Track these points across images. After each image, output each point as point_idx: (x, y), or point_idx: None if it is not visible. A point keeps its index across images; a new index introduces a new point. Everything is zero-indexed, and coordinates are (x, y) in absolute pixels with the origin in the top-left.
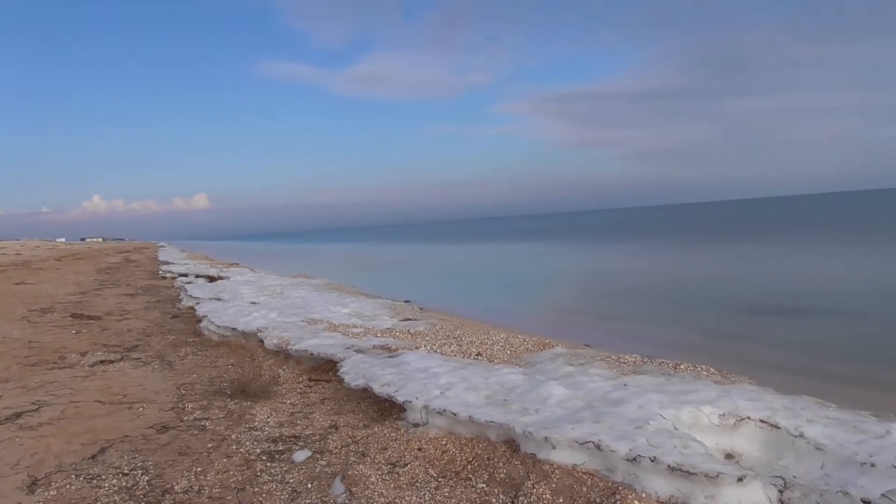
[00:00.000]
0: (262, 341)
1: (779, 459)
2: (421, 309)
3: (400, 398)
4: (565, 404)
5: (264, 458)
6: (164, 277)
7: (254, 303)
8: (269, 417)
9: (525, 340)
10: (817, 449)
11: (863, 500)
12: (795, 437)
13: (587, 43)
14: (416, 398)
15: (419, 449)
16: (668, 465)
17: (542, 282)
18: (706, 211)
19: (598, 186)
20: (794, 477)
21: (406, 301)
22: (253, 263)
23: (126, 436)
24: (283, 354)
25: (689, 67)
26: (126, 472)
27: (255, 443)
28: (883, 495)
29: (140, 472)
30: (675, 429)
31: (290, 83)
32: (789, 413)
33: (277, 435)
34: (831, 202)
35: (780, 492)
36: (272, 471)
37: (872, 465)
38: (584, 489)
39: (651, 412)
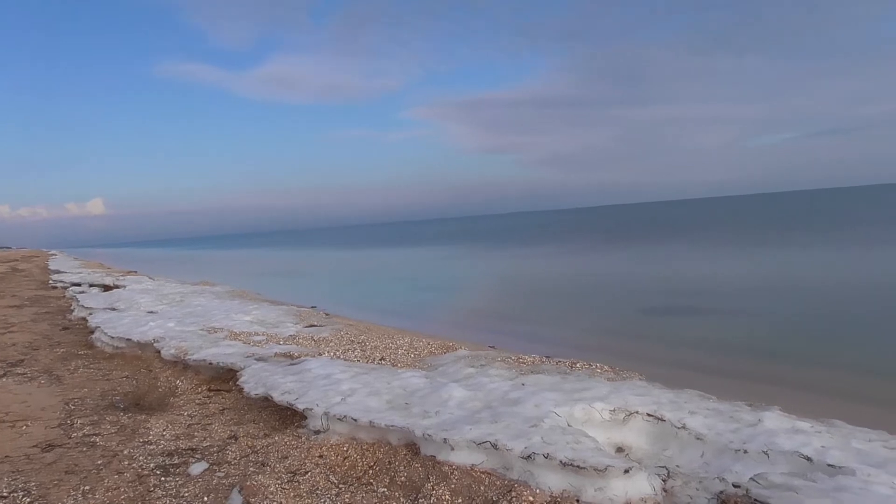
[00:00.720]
0: (158, 352)
1: (664, 450)
2: (327, 315)
3: (300, 406)
4: (465, 406)
5: (158, 472)
6: (55, 287)
7: (151, 312)
8: (164, 430)
9: (429, 344)
10: (698, 439)
11: (734, 485)
12: (679, 428)
13: (495, 50)
14: (317, 405)
15: (320, 456)
16: (561, 461)
17: (449, 285)
18: (607, 214)
19: (504, 191)
20: (677, 466)
21: (312, 307)
22: (152, 271)
23: (7, 456)
24: (181, 365)
25: (591, 77)
26: (5, 494)
27: (149, 457)
28: (751, 479)
29: (21, 493)
30: (569, 425)
31: (192, 84)
32: (674, 406)
33: (173, 448)
34: (718, 206)
35: (664, 481)
36: (166, 485)
37: (745, 451)
38: (482, 488)
39: (546, 410)
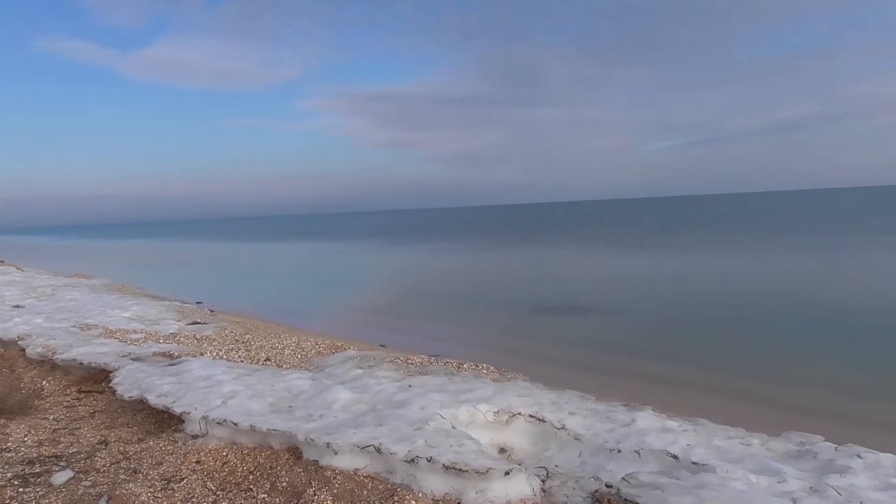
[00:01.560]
0: (23, 350)
1: (545, 450)
2: (212, 311)
3: (178, 409)
4: (351, 408)
5: (16, 483)
6: None
7: (17, 306)
8: (25, 436)
9: (317, 343)
10: (576, 439)
11: (607, 484)
12: (559, 429)
13: (397, 45)
14: (196, 408)
15: (198, 462)
16: (443, 465)
17: (344, 281)
18: (504, 213)
19: (404, 186)
20: (556, 466)
21: (198, 303)
22: (21, 261)
23: None
24: (48, 364)
25: (490, 76)
26: None
27: (7, 466)
28: (623, 479)
29: None
30: (454, 427)
31: (74, 63)
32: (555, 407)
33: (35, 455)
34: (609, 208)
35: (543, 481)
36: (24, 497)
37: (619, 451)
38: (365, 492)
39: (432, 412)
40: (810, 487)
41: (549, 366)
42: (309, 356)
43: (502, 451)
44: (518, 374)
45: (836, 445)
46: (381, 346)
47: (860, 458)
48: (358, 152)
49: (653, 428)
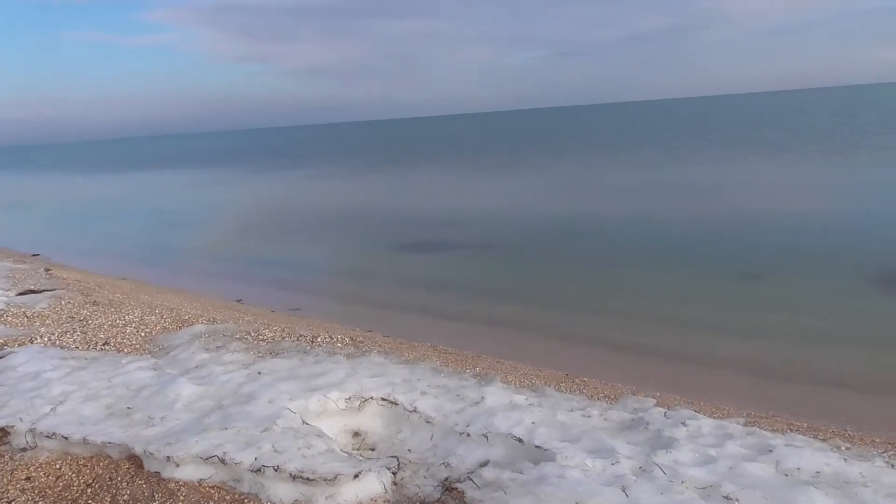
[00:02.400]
0: None
1: (398, 433)
2: (48, 271)
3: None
4: (194, 406)
5: None
6: None
7: None
8: None
9: (162, 317)
10: (427, 422)
11: (453, 480)
12: (410, 412)
13: None
14: (21, 420)
15: (27, 479)
16: (290, 474)
17: (195, 221)
18: (368, 130)
19: (261, 103)
20: (409, 451)
21: (35, 255)
22: None
23: None
24: None
25: None
26: None
27: None
28: (468, 477)
29: None
30: (304, 423)
31: None
32: (407, 386)
33: None
34: (477, 122)
35: (394, 473)
36: None
37: (468, 434)
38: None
39: (281, 407)
40: (640, 468)
41: (408, 316)
42: (153, 333)
43: (356, 435)
44: (373, 344)
45: (665, 410)
46: (238, 301)
47: (685, 426)
48: (211, 68)
49: (500, 405)
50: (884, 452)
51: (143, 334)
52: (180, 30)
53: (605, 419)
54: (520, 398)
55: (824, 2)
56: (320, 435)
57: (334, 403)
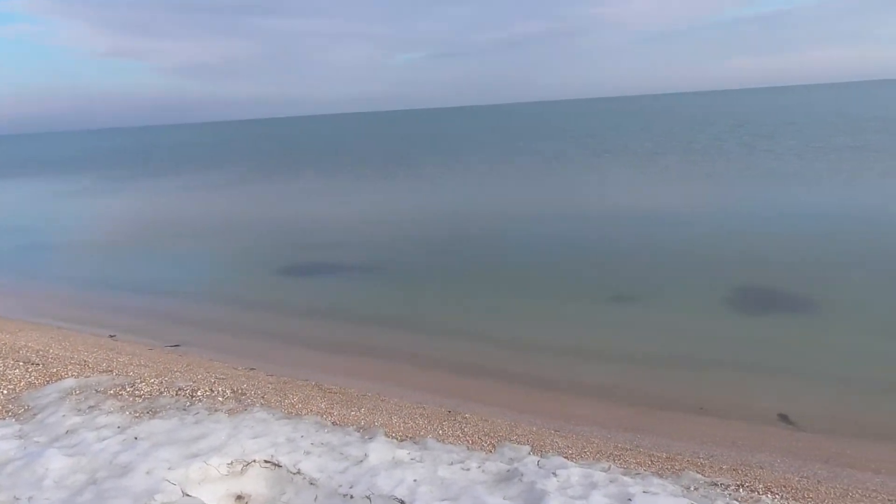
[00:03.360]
0: None
1: (282, 495)
2: None
3: None
4: (66, 483)
5: None
6: None
7: None
8: None
9: (27, 370)
10: (311, 483)
11: None
12: (294, 473)
13: None
14: None
15: None
16: None
17: (60, 242)
18: (250, 130)
19: (134, 100)
20: None
21: None
22: None
23: None
24: None
25: None
26: None
27: None
28: None
29: None
30: (184, 494)
31: None
32: (290, 445)
33: None
34: (360, 122)
35: None
36: None
37: (352, 497)
38: None
39: (159, 478)
40: None
41: (292, 349)
42: (18, 391)
43: (239, 498)
44: (256, 394)
45: (538, 458)
46: (111, 336)
47: (556, 476)
48: (78, 63)
49: (384, 463)
50: (725, 490)
51: (4, 392)
52: (43, 21)
53: (483, 471)
54: (402, 453)
55: (697, 11)
56: None
57: (216, 469)
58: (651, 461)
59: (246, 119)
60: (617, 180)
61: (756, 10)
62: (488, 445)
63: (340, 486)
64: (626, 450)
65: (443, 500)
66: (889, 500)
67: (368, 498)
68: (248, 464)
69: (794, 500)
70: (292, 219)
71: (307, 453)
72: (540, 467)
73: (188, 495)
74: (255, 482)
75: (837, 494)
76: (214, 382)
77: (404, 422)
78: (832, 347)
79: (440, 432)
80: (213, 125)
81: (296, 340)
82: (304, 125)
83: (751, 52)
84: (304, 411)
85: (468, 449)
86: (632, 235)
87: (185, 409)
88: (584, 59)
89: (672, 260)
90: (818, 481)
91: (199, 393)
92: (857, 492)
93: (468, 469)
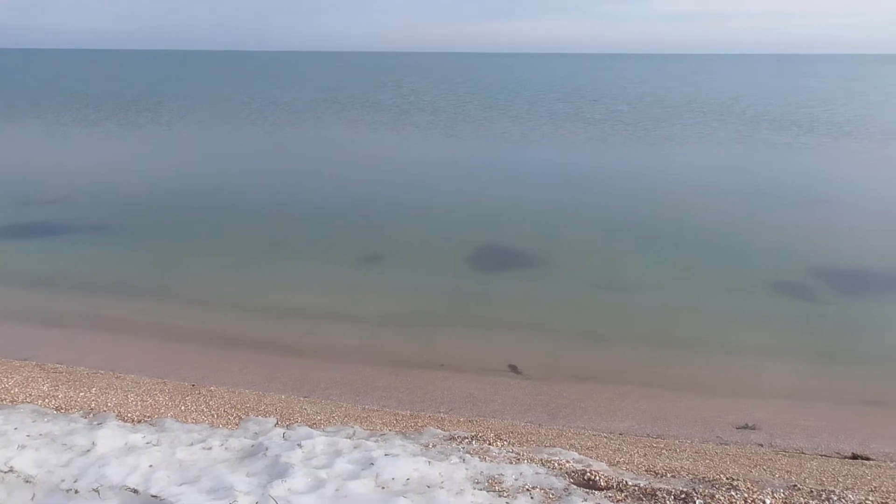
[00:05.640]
0: None
1: None
2: None
3: None
4: None
5: None
6: None
7: None
8: None
9: None
10: (27, 482)
11: None
12: (6, 472)
13: None
14: None
15: None
16: None
17: None
18: None
19: None
20: None
21: None
22: None
23: None
24: None
25: None
26: None
27: None
28: None
29: None
30: None
31: None
32: (3, 441)
33: None
34: (92, 59)
35: None
36: None
37: (76, 491)
38: None
39: None
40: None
41: (8, 325)
42: None
43: None
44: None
45: (284, 430)
46: None
47: (300, 447)
48: None
49: (115, 450)
50: (461, 443)
51: None
52: None
53: (226, 449)
54: (137, 438)
55: None
56: None
57: None
58: (396, 420)
59: None
60: (365, 139)
61: None
62: (234, 420)
63: (63, 480)
64: (374, 411)
65: (181, 483)
66: (594, 434)
67: (96, 491)
68: None
69: (519, 444)
70: (9, 170)
71: (22, 447)
72: (285, 439)
73: None
74: None
75: (554, 435)
76: None
77: (142, 400)
78: (553, 300)
79: (182, 409)
80: None
81: (13, 315)
82: (38, 59)
83: (495, 17)
84: (21, 396)
85: (211, 426)
86: (378, 195)
87: None
88: (361, 12)
89: (415, 220)
90: (539, 424)
91: None
92: (569, 430)
93: (210, 448)
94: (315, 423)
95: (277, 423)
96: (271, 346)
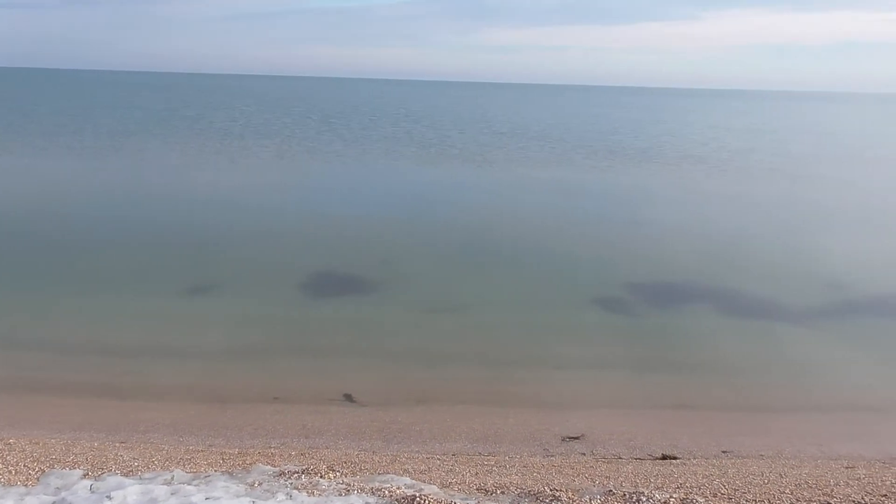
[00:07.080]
0: None
1: None
2: None
3: None
4: None
5: None
6: None
7: None
8: None
9: None
10: None
11: None
12: None
13: None
14: None
15: None
16: None
17: None
18: None
19: None
20: None
21: None
22: None
23: None
24: None
25: None
26: None
27: None
28: None
29: None
30: None
31: None
32: None
33: None
34: None
35: None
36: None
37: None
38: None
39: None
40: None
41: None
42: None
43: None
44: None
45: (92, 481)
46: None
47: (109, 499)
48: None
49: None
50: (290, 478)
51: None
52: None
53: None
54: None
55: None
56: None
57: None
58: (223, 460)
59: None
60: (195, 161)
61: (339, 4)
62: (35, 474)
63: None
64: (198, 451)
65: None
66: (427, 457)
67: None
68: None
69: (352, 473)
70: None
71: None
72: (93, 492)
73: None
74: None
75: (388, 461)
76: None
77: None
78: (389, 324)
79: None
80: None
81: None
82: None
83: (331, 42)
84: None
85: (4, 485)
86: (207, 221)
87: None
88: (163, 31)
89: (247, 246)
90: (373, 452)
91: None
92: (403, 455)
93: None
94: (130, 471)
95: (86, 475)
96: (86, 388)
